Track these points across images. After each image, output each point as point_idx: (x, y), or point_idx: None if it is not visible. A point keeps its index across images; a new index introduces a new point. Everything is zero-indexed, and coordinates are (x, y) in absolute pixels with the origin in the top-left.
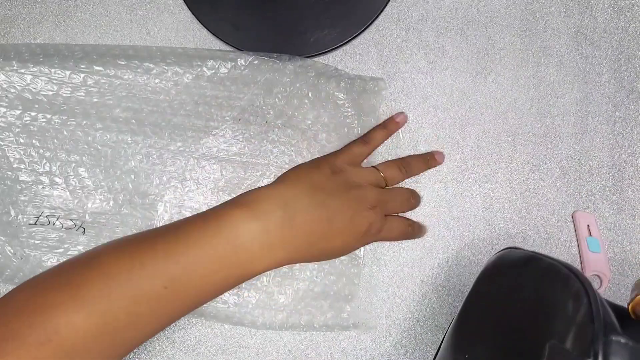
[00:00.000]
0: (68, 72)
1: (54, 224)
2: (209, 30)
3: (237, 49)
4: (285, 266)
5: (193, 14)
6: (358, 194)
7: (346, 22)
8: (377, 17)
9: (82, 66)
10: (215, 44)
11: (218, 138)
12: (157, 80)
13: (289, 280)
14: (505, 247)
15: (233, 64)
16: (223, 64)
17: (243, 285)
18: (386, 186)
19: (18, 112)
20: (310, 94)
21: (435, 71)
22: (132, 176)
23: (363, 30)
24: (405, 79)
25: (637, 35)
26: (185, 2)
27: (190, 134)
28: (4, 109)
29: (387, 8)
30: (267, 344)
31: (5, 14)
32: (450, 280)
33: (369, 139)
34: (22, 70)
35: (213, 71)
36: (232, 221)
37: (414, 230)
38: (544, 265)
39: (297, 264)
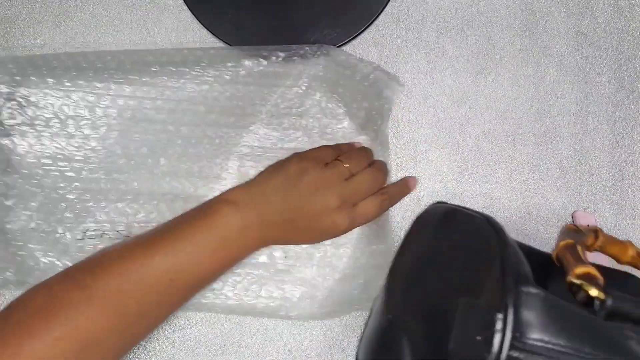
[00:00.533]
0: (102, 84)
1: (101, 236)
2: (209, 30)
3: (236, 48)
4: (327, 259)
5: (193, 14)
6: (321, 200)
7: (346, 21)
8: (377, 17)
9: (117, 77)
10: (215, 44)
11: (253, 134)
12: (192, 85)
13: (329, 269)
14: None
15: (266, 61)
16: (257, 62)
17: (286, 278)
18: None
19: (56, 129)
20: (339, 86)
21: (435, 71)
22: (173, 177)
23: (363, 30)
24: (405, 79)
25: (637, 35)
26: (185, 2)
27: (225, 132)
28: (42, 128)
29: (387, 8)
30: (267, 344)
31: (5, 14)
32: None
33: (341, 150)
34: (58, 87)
35: (247, 70)
36: (221, 218)
37: (393, 198)
38: (460, 217)
39: None
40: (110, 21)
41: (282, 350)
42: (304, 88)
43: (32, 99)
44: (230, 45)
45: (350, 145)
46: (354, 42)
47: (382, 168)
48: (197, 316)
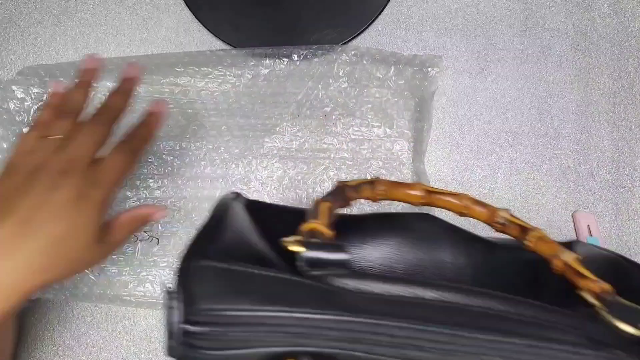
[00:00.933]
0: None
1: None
2: (209, 30)
3: (237, 47)
4: None
5: (193, 14)
6: (38, 191)
7: (346, 21)
8: (377, 17)
9: (142, 77)
10: (215, 43)
11: (278, 136)
12: (215, 84)
13: None
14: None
15: (287, 59)
16: (278, 61)
17: None
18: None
19: None
20: (367, 81)
21: None
22: (199, 182)
23: (363, 30)
24: None
25: (637, 36)
26: (185, 2)
27: (250, 135)
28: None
29: (387, 8)
30: None
31: (5, 13)
32: None
33: (39, 122)
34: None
35: (269, 69)
36: None
37: (136, 138)
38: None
39: None
40: (110, 21)
41: None
42: (327, 86)
43: None
44: (231, 45)
45: (46, 107)
46: (354, 41)
47: (100, 119)
48: None
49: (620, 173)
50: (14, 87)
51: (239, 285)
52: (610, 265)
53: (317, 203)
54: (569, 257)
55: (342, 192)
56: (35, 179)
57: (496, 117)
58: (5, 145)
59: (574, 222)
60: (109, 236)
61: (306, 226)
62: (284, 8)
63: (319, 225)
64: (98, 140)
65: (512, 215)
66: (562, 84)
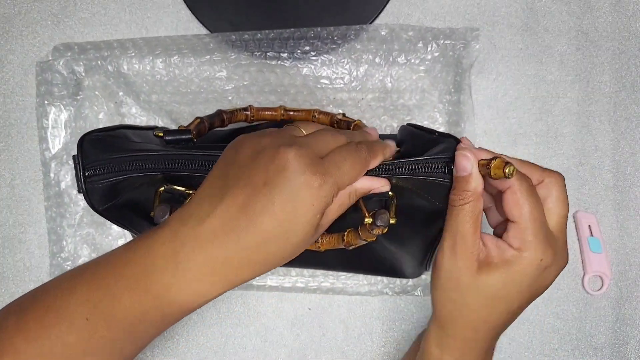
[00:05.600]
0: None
1: None
2: (208, 29)
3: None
4: None
5: (193, 13)
6: (263, 157)
7: (347, 20)
8: (377, 16)
9: (176, 56)
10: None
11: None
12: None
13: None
14: None
15: (312, 43)
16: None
17: None
18: None
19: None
20: (401, 58)
21: None
22: None
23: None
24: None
25: (639, 35)
26: (185, 2)
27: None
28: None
29: (387, 8)
30: (267, 345)
31: (4, 13)
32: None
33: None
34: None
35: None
36: (157, 270)
37: (370, 145)
38: None
39: None
40: (109, 20)
41: (281, 350)
42: (359, 68)
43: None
44: (231, 45)
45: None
46: (345, 46)
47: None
48: (196, 316)
49: (621, 173)
50: (53, 64)
51: (116, 145)
52: (406, 133)
53: (194, 118)
54: (358, 121)
55: (219, 115)
56: (260, 155)
57: (497, 117)
58: (49, 121)
59: (575, 222)
60: (324, 220)
61: (180, 127)
62: (283, 8)
63: (188, 128)
64: (339, 141)
65: (343, 115)
66: (563, 83)
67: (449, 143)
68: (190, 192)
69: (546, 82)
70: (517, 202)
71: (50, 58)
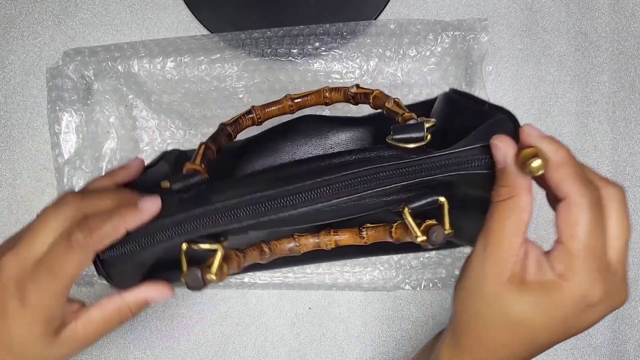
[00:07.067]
0: (158, 59)
1: None
2: (209, 30)
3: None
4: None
5: (193, 13)
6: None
7: (346, 20)
8: (377, 16)
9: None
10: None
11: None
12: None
13: None
14: None
15: (321, 40)
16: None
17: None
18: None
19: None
20: (410, 51)
21: None
22: None
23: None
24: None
25: (638, 35)
26: (185, 2)
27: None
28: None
29: (387, 8)
30: (267, 344)
31: (5, 13)
32: (451, 279)
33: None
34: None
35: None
36: None
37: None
38: None
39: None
40: (110, 21)
41: (281, 350)
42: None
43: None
44: (231, 45)
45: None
46: (355, 41)
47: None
48: (197, 316)
49: (620, 173)
50: (64, 69)
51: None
52: (447, 102)
53: (199, 146)
54: (390, 101)
55: (224, 130)
56: None
57: None
58: (62, 127)
59: None
60: (68, 331)
61: (187, 167)
62: (284, 8)
63: (195, 165)
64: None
65: (358, 86)
66: (561, 83)
67: (500, 121)
68: (216, 247)
69: (545, 83)
70: (569, 220)
71: (61, 63)
